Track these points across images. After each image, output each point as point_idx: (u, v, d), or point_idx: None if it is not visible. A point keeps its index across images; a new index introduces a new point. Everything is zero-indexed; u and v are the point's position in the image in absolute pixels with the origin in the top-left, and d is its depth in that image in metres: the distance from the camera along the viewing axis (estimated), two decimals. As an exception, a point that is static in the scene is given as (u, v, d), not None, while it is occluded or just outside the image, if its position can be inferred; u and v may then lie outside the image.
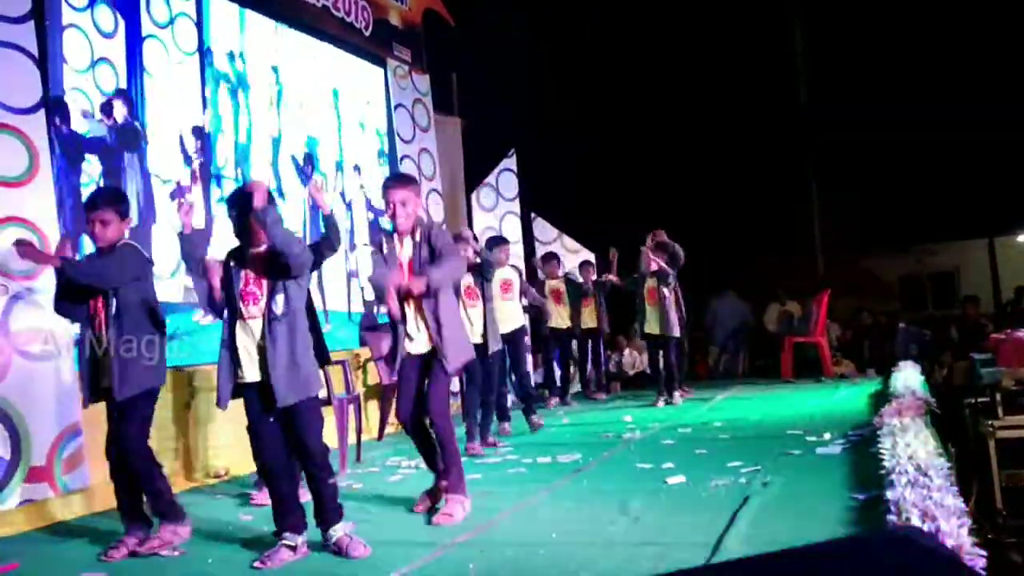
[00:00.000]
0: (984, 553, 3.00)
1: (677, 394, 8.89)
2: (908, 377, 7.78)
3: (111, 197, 4.28)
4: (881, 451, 4.62)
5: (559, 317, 9.52)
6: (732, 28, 14.69)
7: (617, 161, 14.50)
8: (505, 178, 10.57)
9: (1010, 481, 5.44)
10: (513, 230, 10.45)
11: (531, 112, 13.12)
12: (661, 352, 8.86)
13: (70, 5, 5.32)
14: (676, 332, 8.75)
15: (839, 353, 11.55)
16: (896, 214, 15.66)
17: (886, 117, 14.95)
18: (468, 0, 10.42)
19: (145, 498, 4.26)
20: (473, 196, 10.42)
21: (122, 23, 5.29)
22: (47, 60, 5.44)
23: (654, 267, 8.70)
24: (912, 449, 4.44)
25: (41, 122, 5.10)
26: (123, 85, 5.54)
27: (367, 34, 8.94)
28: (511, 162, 10.61)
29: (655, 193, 14.94)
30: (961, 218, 15.30)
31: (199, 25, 5.60)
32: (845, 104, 15.03)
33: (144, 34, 5.37)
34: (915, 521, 3.24)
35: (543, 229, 11.18)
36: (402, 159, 9.11)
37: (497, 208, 10.44)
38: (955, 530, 3.11)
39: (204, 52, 5.93)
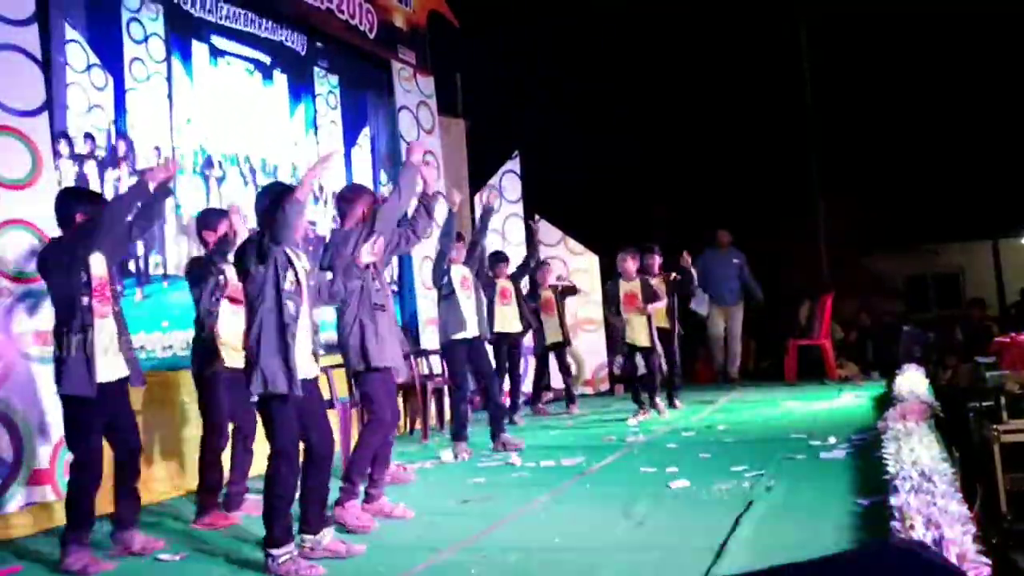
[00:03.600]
0: (988, 560, 2.98)
1: (636, 416, 7.90)
2: (912, 380, 7.74)
3: None
4: (885, 456, 4.60)
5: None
6: (738, 29, 14.66)
7: (621, 162, 14.48)
8: (509, 180, 10.55)
9: (1015, 485, 5.39)
10: (516, 232, 10.43)
11: (535, 114, 13.10)
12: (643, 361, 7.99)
13: (72, 68, 5.83)
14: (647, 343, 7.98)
15: (843, 355, 11.47)
16: (900, 215, 15.63)
17: (891, 118, 14.93)
18: (472, 2, 10.40)
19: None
20: (476, 198, 10.40)
21: (111, 79, 6.14)
22: (50, 63, 5.48)
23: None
24: (916, 454, 4.43)
25: (44, 124, 5.12)
26: (113, 121, 6.22)
27: (372, 36, 8.93)
28: (515, 164, 10.59)
29: (659, 194, 14.94)
30: (966, 220, 15.27)
31: (168, 80, 6.68)
32: (850, 105, 15.01)
33: (127, 87, 6.29)
34: (919, 527, 3.22)
35: (547, 231, 11.15)
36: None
37: (500, 210, 10.41)
38: (959, 536, 3.09)
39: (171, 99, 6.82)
